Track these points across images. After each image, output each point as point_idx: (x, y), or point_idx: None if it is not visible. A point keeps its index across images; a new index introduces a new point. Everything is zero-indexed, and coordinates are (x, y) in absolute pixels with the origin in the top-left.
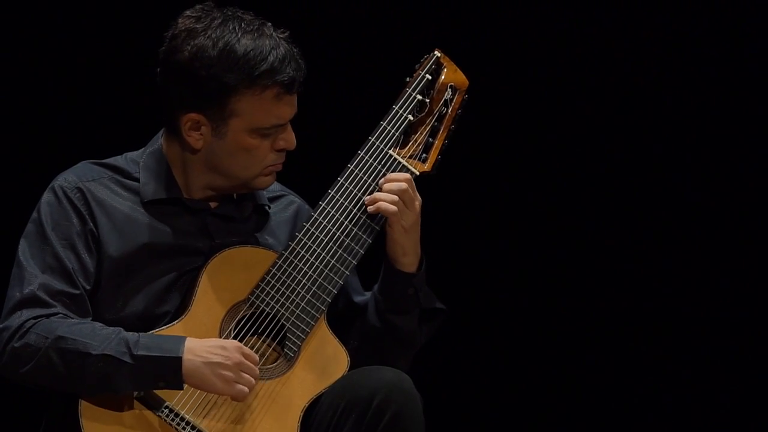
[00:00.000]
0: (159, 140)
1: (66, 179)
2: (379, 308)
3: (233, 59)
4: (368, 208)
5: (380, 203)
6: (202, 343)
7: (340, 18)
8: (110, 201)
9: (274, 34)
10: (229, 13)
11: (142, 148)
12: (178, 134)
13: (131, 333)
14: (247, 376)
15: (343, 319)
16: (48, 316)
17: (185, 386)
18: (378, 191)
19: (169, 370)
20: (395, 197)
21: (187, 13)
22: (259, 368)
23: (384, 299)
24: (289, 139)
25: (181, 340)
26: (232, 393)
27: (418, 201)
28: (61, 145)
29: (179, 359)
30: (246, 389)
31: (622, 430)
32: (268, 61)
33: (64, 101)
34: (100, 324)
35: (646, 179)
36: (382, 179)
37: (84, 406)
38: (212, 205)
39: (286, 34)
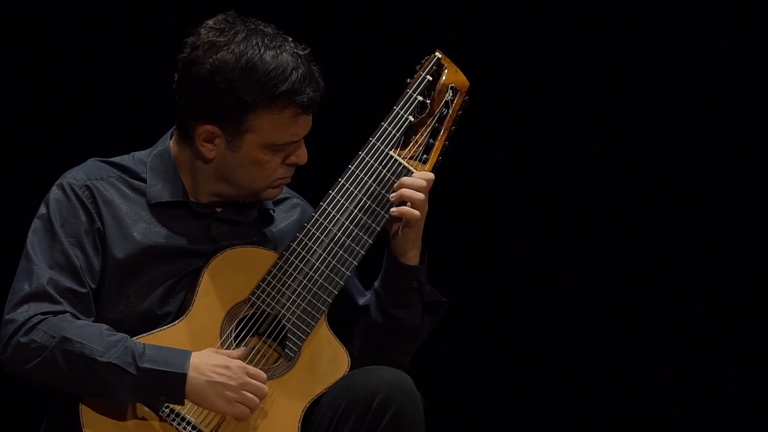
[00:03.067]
0: (167, 141)
1: (74, 176)
2: (381, 303)
3: (254, 77)
4: (392, 210)
5: (404, 209)
6: (207, 360)
7: (340, 18)
8: (117, 201)
9: (295, 51)
10: (252, 27)
11: (150, 148)
12: (190, 142)
13: (138, 342)
14: (250, 396)
15: (349, 322)
16: (55, 313)
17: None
18: (397, 190)
19: (173, 386)
20: (420, 197)
21: (210, 24)
22: (260, 369)
23: (387, 294)
24: (301, 155)
25: (187, 355)
26: (233, 413)
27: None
28: (67, 142)
29: (184, 376)
30: (247, 410)
31: (622, 429)
32: (288, 81)
33: (70, 98)
34: (107, 327)
35: (647, 179)
36: (401, 180)
37: (85, 405)
38: (218, 209)
39: (306, 51)
